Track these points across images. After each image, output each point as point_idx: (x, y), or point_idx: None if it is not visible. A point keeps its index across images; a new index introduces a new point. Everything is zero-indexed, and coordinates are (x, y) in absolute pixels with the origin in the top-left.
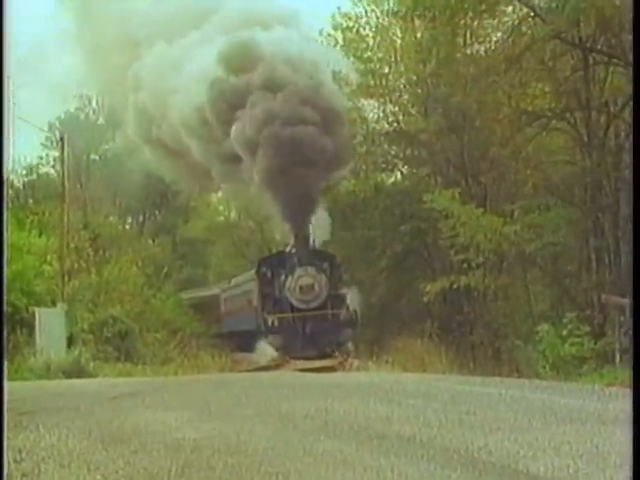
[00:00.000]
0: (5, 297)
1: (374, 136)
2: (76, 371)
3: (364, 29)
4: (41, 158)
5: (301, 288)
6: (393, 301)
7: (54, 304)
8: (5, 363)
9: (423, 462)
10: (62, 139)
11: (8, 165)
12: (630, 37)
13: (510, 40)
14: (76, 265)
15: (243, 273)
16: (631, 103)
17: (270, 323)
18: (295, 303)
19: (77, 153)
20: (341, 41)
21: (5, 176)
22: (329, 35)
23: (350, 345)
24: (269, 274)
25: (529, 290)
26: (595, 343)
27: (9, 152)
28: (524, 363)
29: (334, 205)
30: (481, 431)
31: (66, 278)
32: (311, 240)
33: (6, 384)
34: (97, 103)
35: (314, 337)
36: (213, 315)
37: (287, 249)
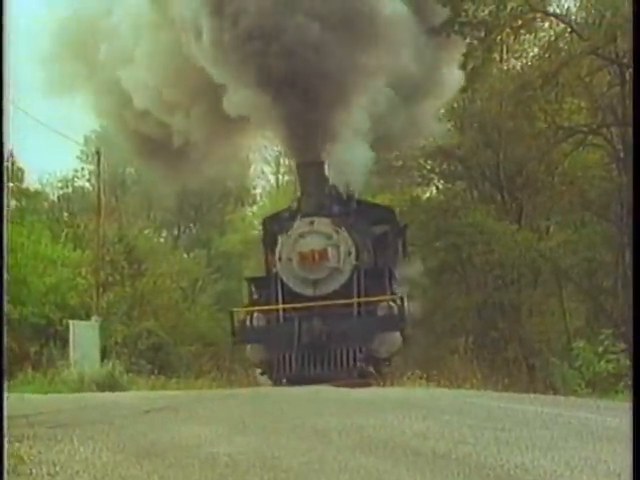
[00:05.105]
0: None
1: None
2: (109, 384)
3: None
4: (76, 171)
5: (301, 257)
6: (428, 316)
7: (88, 317)
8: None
9: (459, 479)
10: (98, 153)
11: (42, 178)
12: None
13: (547, 56)
14: (110, 278)
15: None
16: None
17: (248, 323)
18: (290, 285)
19: (113, 166)
20: None
21: (5, 177)
22: None
23: (395, 362)
24: (278, 240)
25: (564, 306)
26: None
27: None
28: (559, 380)
29: None
30: (517, 449)
31: (100, 291)
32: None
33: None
34: None
35: (323, 349)
36: None
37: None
